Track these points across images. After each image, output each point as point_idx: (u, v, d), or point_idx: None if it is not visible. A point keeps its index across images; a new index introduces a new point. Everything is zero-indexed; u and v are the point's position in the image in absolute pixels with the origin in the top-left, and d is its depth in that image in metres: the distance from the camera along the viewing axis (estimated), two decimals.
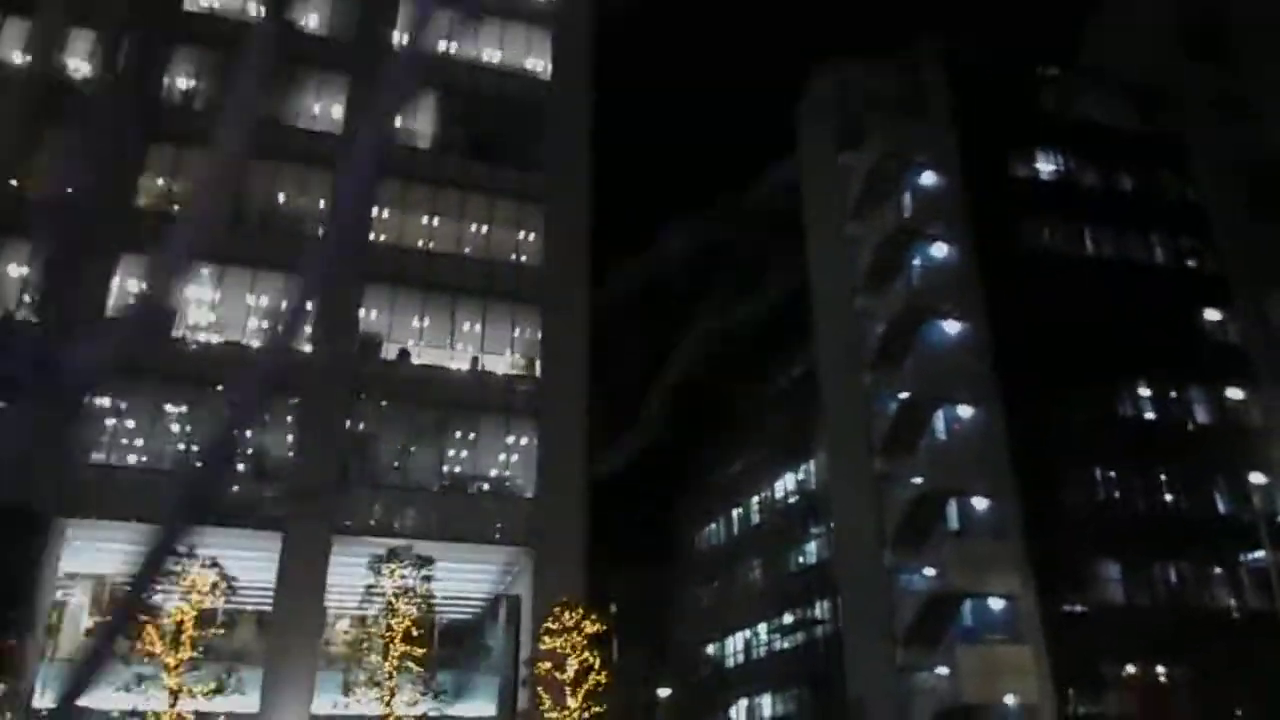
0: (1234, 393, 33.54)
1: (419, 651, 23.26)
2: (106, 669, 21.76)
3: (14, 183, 28.00)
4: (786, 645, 39.69)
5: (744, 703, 42.53)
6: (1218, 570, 30.39)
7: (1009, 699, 27.63)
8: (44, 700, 23.49)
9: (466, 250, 30.98)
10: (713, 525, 49.00)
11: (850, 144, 36.90)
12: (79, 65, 29.85)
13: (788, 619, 39.74)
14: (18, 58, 28.94)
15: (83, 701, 18.72)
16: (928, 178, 35.32)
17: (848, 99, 37.68)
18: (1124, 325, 32.67)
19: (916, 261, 34.63)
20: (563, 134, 32.45)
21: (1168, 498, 31.43)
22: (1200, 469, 31.81)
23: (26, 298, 26.81)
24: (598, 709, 24.06)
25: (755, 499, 44.55)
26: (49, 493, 24.57)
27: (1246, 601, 30.10)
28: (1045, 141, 35.91)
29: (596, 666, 24.21)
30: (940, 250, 34.23)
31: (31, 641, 22.94)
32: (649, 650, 47.29)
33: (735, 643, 44.31)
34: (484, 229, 31.65)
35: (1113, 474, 31.08)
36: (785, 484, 41.98)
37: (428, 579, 23.74)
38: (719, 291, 48.57)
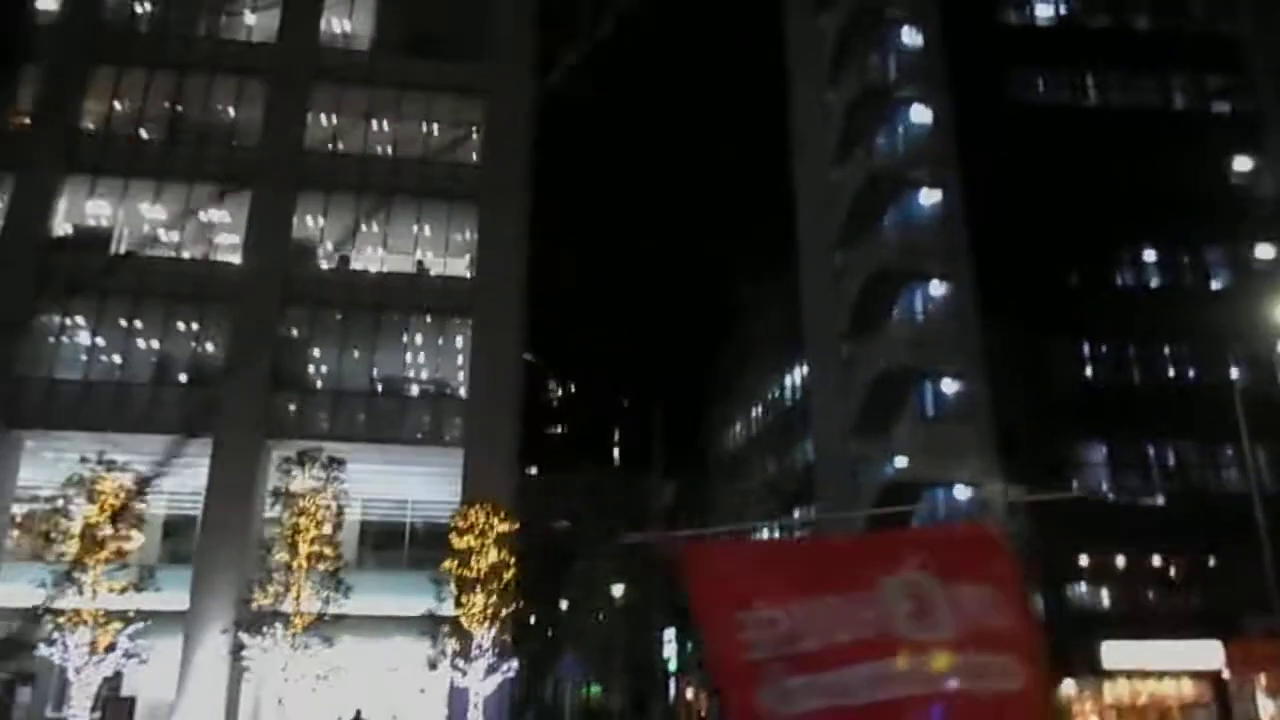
0: (1266, 251, 29.18)
1: (329, 551, 23.53)
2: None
3: None
4: None
5: None
6: (1229, 451, 26.63)
7: None
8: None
9: (403, 150, 30.23)
10: (734, 429, 47.56)
11: (829, 4, 33.64)
12: None
13: (792, 518, 38.17)
14: None
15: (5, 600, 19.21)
16: (907, 35, 31.83)
17: None
18: (1131, 182, 28.81)
19: (899, 130, 31.50)
20: (505, 21, 30.94)
21: (1171, 372, 27.80)
22: (1215, 340, 27.82)
23: None
24: (509, 607, 23.94)
25: (766, 399, 42.79)
26: None
27: (1264, 485, 26.44)
28: None
29: (510, 564, 24.10)
30: (918, 114, 30.95)
31: None
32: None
33: None
34: (422, 127, 30.83)
35: (1104, 348, 27.71)
36: (793, 380, 39.99)
37: (337, 480, 23.83)
38: None
